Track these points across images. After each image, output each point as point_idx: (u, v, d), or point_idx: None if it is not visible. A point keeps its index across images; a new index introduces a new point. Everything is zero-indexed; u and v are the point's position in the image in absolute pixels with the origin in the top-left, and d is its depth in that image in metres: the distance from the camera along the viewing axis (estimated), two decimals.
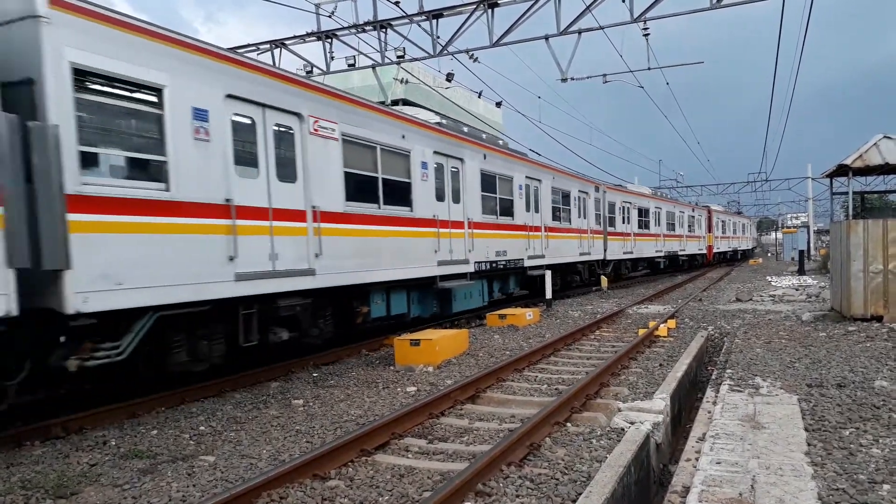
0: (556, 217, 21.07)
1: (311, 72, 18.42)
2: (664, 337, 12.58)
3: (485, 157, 16.05)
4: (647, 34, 16.36)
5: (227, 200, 8.40)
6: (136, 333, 7.28)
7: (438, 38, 16.96)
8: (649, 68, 19.30)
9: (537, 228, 19.33)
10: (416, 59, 18.58)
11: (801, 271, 33.08)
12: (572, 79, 18.81)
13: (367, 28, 17.31)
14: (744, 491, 4.45)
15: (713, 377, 8.81)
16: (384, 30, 17.24)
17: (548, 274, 18.99)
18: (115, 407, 7.78)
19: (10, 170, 6.10)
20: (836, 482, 4.60)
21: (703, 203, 51.92)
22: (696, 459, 5.29)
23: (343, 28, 17.53)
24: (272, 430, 6.96)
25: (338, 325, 11.27)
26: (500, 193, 16.86)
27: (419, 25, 17.02)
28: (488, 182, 16.21)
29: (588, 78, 21.51)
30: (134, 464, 6.00)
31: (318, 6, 17.41)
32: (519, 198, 18.01)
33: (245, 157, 8.82)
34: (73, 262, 6.49)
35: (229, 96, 8.54)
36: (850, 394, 7.15)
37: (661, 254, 34.20)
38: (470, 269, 15.11)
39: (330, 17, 17.22)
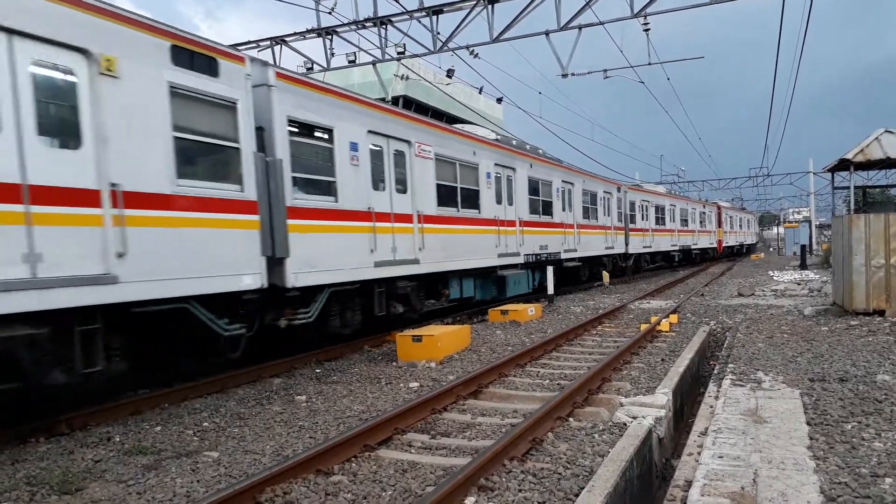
0: (585, 215, 23.66)
1: (311, 68, 18.42)
2: (666, 332, 12.59)
3: (531, 166, 18.88)
4: (648, 29, 16.33)
5: (369, 208, 11.53)
6: (319, 303, 10.36)
7: (439, 34, 16.95)
8: (650, 63, 19.27)
9: (571, 226, 22.06)
10: (416, 56, 18.56)
11: (802, 266, 33.07)
12: (573, 74, 18.80)
13: (368, 24, 17.29)
14: (746, 485, 4.47)
15: (715, 372, 8.82)
16: (384, 26, 17.22)
17: (549, 270, 19.01)
18: (119, 404, 7.81)
19: (262, 191, 9.05)
20: (839, 476, 4.61)
21: (712, 200, 53.57)
22: (699, 454, 5.30)
23: (343, 24, 17.51)
24: (275, 426, 6.99)
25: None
26: (542, 196, 19.60)
27: (419, 21, 17.00)
28: (533, 187, 18.97)
29: (588, 73, 21.50)
30: (138, 460, 6.02)
31: (317, 2, 17.39)
32: (557, 199, 20.75)
33: (378, 176, 11.92)
34: (290, 252, 9.48)
35: (369, 132, 11.60)
36: (852, 388, 7.16)
37: (676, 248, 36.97)
38: (521, 260, 17.92)
39: (330, 13, 17.20)
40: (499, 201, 16.71)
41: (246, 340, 8.99)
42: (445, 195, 14.13)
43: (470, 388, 8.11)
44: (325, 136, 10.51)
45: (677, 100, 30.43)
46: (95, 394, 8.09)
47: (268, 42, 18.51)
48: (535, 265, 19.20)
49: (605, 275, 25.68)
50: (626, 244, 28.34)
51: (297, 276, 9.59)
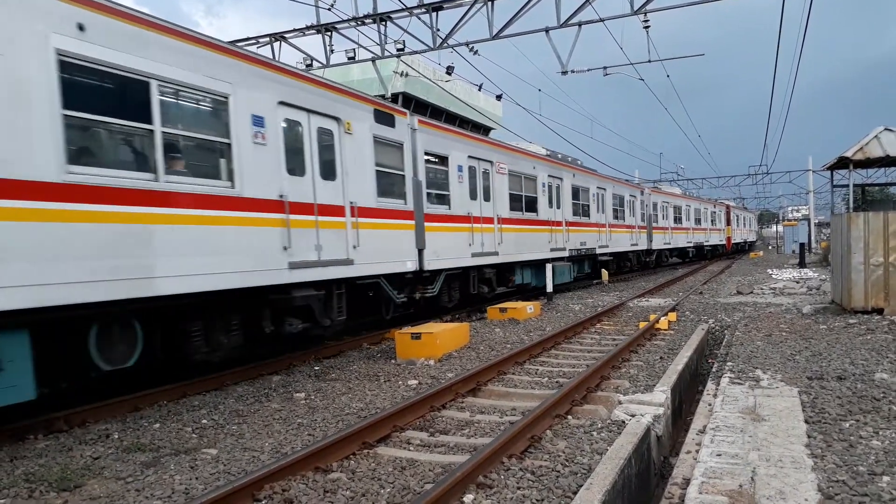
0: (615, 216, 27.53)
1: (310, 65, 18.37)
2: (665, 330, 12.60)
3: (573, 176, 22.49)
4: (648, 26, 16.30)
5: (469, 213, 15.25)
6: (439, 283, 14.18)
7: (438, 30, 16.91)
8: (650, 61, 19.23)
9: (604, 225, 25.88)
10: (415, 52, 18.53)
11: (801, 264, 33.08)
12: (573, 71, 18.76)
13: (367, 21, 17.25)
14: (744, 483, 4.47)
15: (714, 370, 8.83)
16: (384, 23, 17.19)
17: (549, 266, 19.07)
18: (117, 400, 7.81)
19: (416, 203, 13.03)
20: (836, 474, 4.62)
21: (713, 199, 54.82)
22: (697, 451, 5.31)
23: (343, 21, 17.48)
24: (274, 423, 6.99)
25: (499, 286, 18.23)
26: (581, 200, 23.28)
27: (419, 18, 16.96)
28: (575, 192, 22.65)
29: (588, 70, 21.45)
30: (137, 457, 6.02)
31: None
32: (593, 203, 24.52)
33: (473, 188, 15.51)
34: (426, 246, 13.30)
35: (469, 156, 15.31)
36: (850, 386, 7.17)
37: (691, 244, 40.75)
38: (566, 254, 21.60)
39: (329, 10, 17.16)
40: (550, 205, 20.52)
41: (398, 307, 13.22)
42: (514, 201, 17.92)
43: (469, 385, 8.12)
44: (443, 162, 14.44)
45: (677, 97, 30.39)
46: (96, 391, 8.09)
47: (267, 39, 18.48)
48: (577, 258, 23.32)
49: (605, 273, 25.69)
50: (650, 241, 32.77)
51: (430, 262, 13.46)
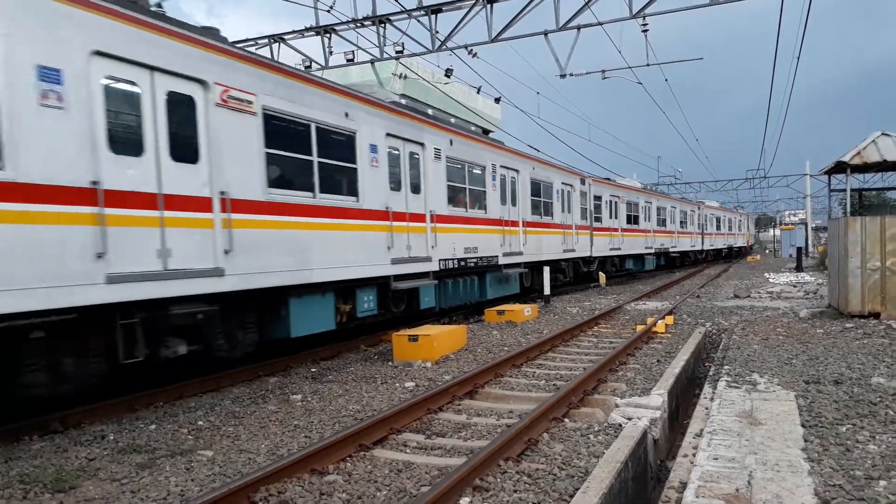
0: (629, 221, 29.63)
1: (309, 66, 18.38)
2: (662, 333, 12.60)
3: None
4: (646, 30, 16.34)
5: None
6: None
7: (437, 33, 16.93)
8: (648, 64, 19.27)
9: (616, 230, 27.95)
10: (414, 55, 18.54)
11: (798, 268, 33.12)
12: (571, 75, 18.79)
13: (366, 23, 17.27)
14: (741, 486, 4.47)
15: (711, 373, 8.82)
16: (383, 25, 17.20)
17: (546, 270, 19.09)
18: (113, 402, 7.79)
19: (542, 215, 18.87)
20: (833, 478, 4.62)
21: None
22: (694, 455, 5.30)
23: (342, 23, 17.49)
24: (270, 425, 6.97)
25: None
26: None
27: (418, 20, 16.98)
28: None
29: (587, 74, 21.50)
30: (132, 458, 6.00)
31: (316, 0, 17.36)
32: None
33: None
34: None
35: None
36: (846, 390, 7.17)
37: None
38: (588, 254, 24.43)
39: (329, 11, 17.17)
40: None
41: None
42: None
43: (465, 388, 8.11)
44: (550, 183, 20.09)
45: (675, 101, 30.46)
46: (88, 392, 8.06)
47: (266, 40, 18.48)
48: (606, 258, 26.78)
49: (602, 276, 25.69)
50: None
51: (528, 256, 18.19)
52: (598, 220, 25.67)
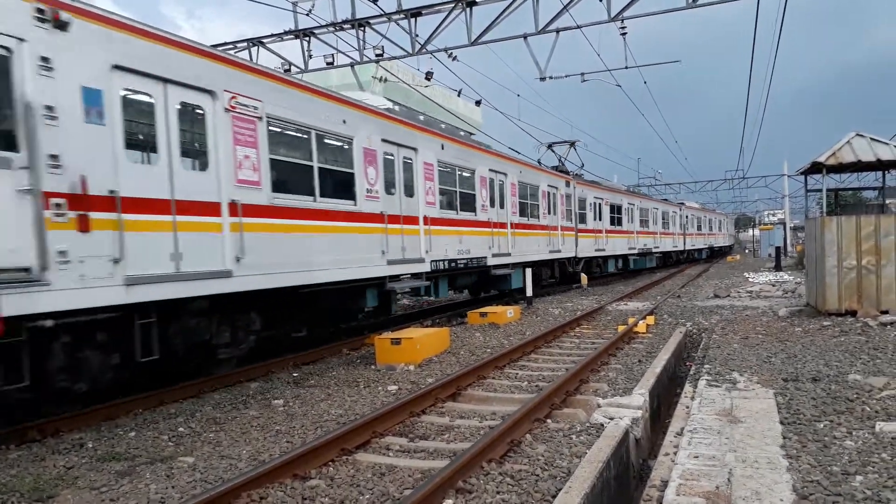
0: (643, 225, 35.02)
1: (288, 70, 18.31)
2: (643, 333, 12.69)
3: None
4: (625, 33, 16.47)
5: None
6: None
7: (417, 36, 16.95)
8: (626, 67, 19.42)
9: (632, 232, 32.86)
10: (394, 58, 18.55)
11: (777, 267, 33.50)
12: (551, 77, 18.90)
13: (346, 26, 17.25)
14: (720, 484, 4.51)
15: (691, 372, 8.91)
16: (362, 28, 17.19)
17: (528, 271, 19.13)
18: (92, 409, 7.69)
19: (574, 220, 25.07)
20: (811, 474, 4.68)
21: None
22: (675, 454, 5.35)
23: (321, 26, 17.45)
24: (252, 431, 6.92)
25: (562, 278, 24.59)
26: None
27: (398, 24, 16.99)
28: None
29: (566, 77, 21.61)
30: (111, 466, 5.93)
31: (295, 4, 17.31)
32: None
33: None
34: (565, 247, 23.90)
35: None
36: (824, 387, 7.27)
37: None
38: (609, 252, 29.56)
39: (308, 15, 17.13)
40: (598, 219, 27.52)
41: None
42: (583, 216, 25.31)
43: (448, 390, 8.11)
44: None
45: (654, 103, 30.75)
46: (66, 399, 7.96)
47: (245, 43, 18.39)
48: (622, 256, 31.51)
49: (584, 277, 25.82)
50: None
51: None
52: (582, 221, 25.91)
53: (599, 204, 28.32)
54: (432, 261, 14.05)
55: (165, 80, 7.83)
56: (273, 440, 6.56)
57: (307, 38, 17.76)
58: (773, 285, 22.87)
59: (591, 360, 9.37)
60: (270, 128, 9.51)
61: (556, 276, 23.92)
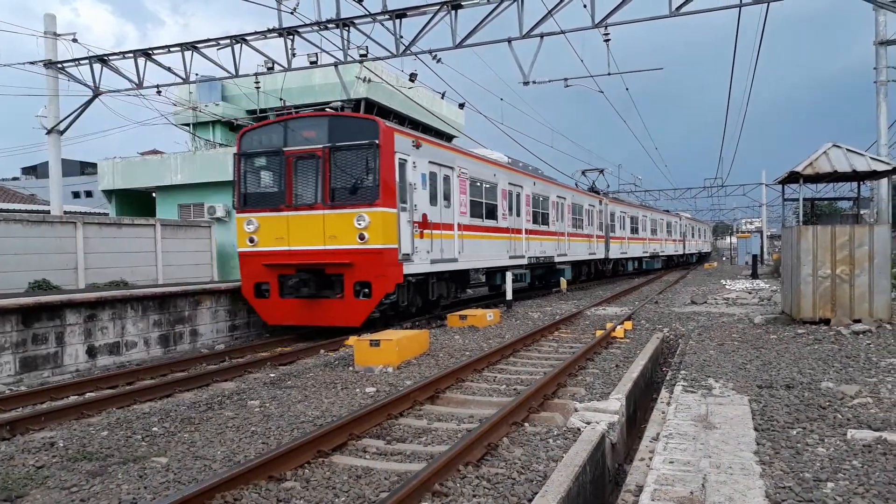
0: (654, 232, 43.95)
1: (272, 68, 18.20)
2: (621, 338, 12.77)
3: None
4: (608, 40, 16.56)
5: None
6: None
7: (402, 37, 16.91)
8: (609, 73, 19.53)
9: (658, 239, 44.37)
10: (379, 59, 18.49)
11: (754, 275, 33.92)
12: (534, 82, 18.93)
13: (330, 26, 17.16)
14: (695, 490, 4.54)
15: (668, 378, 8.97)
16: (347, 28, 17.12)
17: (508, 275, 19.23)
18: (63, 407, 7.59)
19: (603, 231, 33.39)
20: (783, 480, 4.73)
21: (674, 210, 56.88)
22: (650, 459, 5.38)
23: (305, 25, 17.35)
24: (227, 431, 6.86)
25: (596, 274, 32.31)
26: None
27: (382, 25, 16.94)
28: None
29: (550, 82, 21.69)
30: (83, 466, 5.84)
31: (279, 2, 17.20)
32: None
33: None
34: (610, 251, 34.41)
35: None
36: (798, 394, 7.36)
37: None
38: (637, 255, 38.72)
39: (292, 13, 17.02)
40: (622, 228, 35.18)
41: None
42: (625, 226, 34.99)
43: (427, 393, 8.10)
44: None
45: (635, 110, 31.01)
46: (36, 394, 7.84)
47: (227, 41, 18.24)
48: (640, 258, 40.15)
49: (563, 281, 25.96)
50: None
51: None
52: (612, 231, 34.00)
53: (623, 217, 36.62)
54: (529, 257, 22.21)
55: (440, 165, 15.88)
56: (248, 441, 6.51)
57: (291, 37, 17.64)
58: (750, 293, 23.15)
59: (569, 365, 9.40)
60: (470, 183, 17.53)
61: (592, 272, 31.98)
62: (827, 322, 12.68)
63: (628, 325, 14.13)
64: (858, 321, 12.38)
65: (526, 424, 6.88)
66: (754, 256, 37.02)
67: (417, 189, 14.29)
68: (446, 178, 16.01)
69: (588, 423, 6.61)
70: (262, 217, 13.89)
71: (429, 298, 15.74)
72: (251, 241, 13.92)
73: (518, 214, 21.33)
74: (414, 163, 14.19)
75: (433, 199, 15.16)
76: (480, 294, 24.88)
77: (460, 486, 5.11)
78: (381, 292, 13.09)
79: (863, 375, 8.30)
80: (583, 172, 35.91)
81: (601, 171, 36.91)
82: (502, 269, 19.45)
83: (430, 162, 14.92)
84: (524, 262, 21.53)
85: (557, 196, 25.39)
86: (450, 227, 15.99)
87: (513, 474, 5.34)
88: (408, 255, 13.72)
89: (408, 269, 13.80)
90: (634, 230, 38.81)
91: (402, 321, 15.15)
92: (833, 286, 12.66)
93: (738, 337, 12.03)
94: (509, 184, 20.39)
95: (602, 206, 32.13)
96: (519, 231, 21.23)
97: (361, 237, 12.98)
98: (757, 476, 4.79)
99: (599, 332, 12.94)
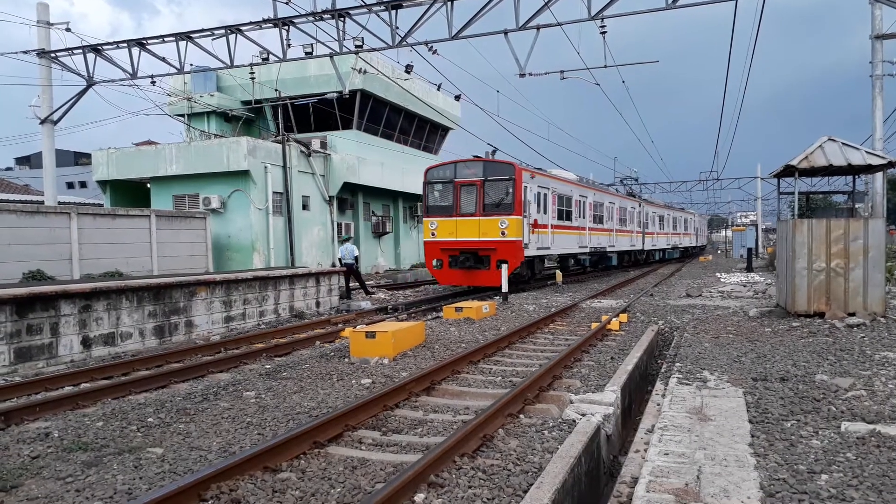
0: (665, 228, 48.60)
1: (267, 59, 18.12)
2: (616, 331, 12.80)
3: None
4: (605, 32, 16.55)
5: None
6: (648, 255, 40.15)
7: (397, 28, 16.86)
8: (605, 66, 19.52)
9: (678, 233, 51.86)
10: (374, 50, 18.45)
11: (749, 268, 34.00)
12: (530, 74, 18.95)
13: (326, 16, 17.10)
14: (690, 481, 4.56)
15: (663, 370, 8.99)
16: (342, 19, 17.05)
17: (504, 267, 19.23)
18: (58, 398, 7.57)
19: (637, 228, 40.72)
20: (778, 472, 4.75)
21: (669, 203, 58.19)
22: (645, 451, 5.39)
23: (301, 15, 17.28)
24: (223, 422, 6.85)
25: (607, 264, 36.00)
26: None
27: (378, 15, 16.88)
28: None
29: (546, 74, 21.68)
30: (78, 456, 5.83)
31: None
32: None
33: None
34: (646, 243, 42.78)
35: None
36: (792, 387, 7.38)
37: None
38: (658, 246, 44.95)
39: (287, 3, 16.94)
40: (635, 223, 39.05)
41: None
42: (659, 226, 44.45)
43: (423, 384, 8.10)
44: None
45: (631, 103, 31.04)
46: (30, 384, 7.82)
47: (222, 31, 18.14)
48: (659, 250, 45.94)
49: (559, 274, 25.98)
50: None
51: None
52: (646, 227, 41.01)
53: (654, 215, 43.48)
54: (590, 248, 28.61)
55: (542, 187, 22.26)
56: (244, 432, 6.50)
57: (286, 28, 17.57)
58: (745, 286, 23.21)
59: (564, 357, 9.42)
60: (557, 196, 23.74)
61: (632, 260, 38.97)
62: (821, 315, 12.72)
63: (623, 317, 14.16)
64: (853, 314, 12.42)
65: (521, 416, 6.90)
66: (749, 250, 37.09)
67: (531, 203, 21.39)
68: (545, 195, 22.75)
69: (583, 415, 6.63)
70: (440, 220, 21.29)
71: (534, 272, 23.37)
72: (433, 234, 21.30)
73: (583, 217, 27.94)
74: (528, 187, 21.09)
75: (538, 209, 22.11)
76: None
77: (456, 477, 5.12)
78: (513, 266, 20.01)
79: (857, 368, 8.34)
80: (621, 181, 47.11)
81: (636, 180, 49.54)
82: (574, 255, 27.56)
83: (538, 185, 21.99)
84: (587, 250, 28.55)
85: (609, 202, 32.34)
86: (546, 227, 22.93)
87: (508, 466, 5.35)
88: (526, 244, 20.76)
89: (526, 253, 20.83)
90: (662, 226, 46.28)
91: (522, 285, 22.70)
92: (828, 279, 12.69)
93: (733, 330, 12.06)
94: (579, 195, 27.26)
95: (640, 207, 39.31)
96: (584, 228, 27.94)
97: (503, 233, 20.18)
98: (751, 468, 4.81)
99: (595, 325, 12.97)
